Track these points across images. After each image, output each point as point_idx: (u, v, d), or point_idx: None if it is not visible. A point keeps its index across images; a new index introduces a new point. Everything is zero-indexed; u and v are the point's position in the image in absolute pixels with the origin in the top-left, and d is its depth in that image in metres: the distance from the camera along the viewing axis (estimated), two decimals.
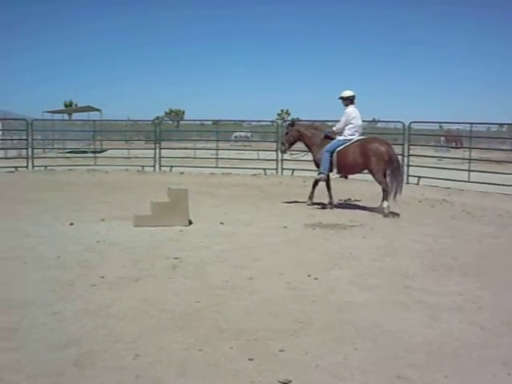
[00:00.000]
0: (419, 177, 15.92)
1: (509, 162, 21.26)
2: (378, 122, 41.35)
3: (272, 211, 11.01)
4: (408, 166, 16.36)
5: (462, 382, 3.75)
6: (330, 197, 11.81)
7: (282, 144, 12.46)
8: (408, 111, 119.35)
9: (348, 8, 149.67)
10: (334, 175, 11.70)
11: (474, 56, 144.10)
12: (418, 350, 4.27)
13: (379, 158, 11.02)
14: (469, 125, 18.93)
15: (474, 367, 3.99)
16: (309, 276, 6.23)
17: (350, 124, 11.40)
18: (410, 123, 17.05)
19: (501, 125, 35.69)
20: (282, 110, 77.03)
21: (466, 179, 15.50)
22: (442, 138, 30.84)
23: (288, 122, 12.34)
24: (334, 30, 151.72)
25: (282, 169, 18.15)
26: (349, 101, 11.56)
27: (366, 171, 11.57)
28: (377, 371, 3.88)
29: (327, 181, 11.78)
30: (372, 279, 6.20)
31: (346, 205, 12.01)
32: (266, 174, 18.22)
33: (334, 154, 11.35)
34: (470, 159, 17.46)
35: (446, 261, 7.14)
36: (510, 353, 4.23)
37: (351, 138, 11.37)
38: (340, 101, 11.67)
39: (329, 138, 11.65)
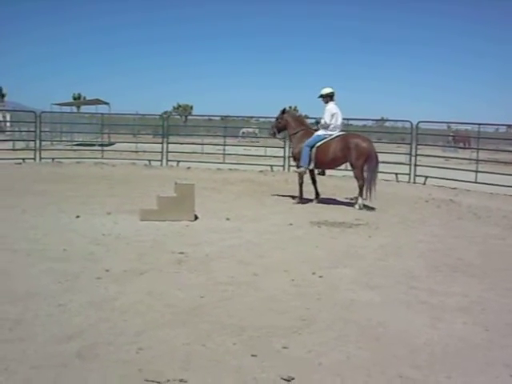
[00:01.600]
0: (426, 176, 15.89)
1: None
2: (386, 120, 41.37)
3: (278, 208, 11.01)
4: (415, 165, 16.34)
5: (464, 383, 3.74)
6: (316, 192, 12.12)
7: (272, 128, 12.90)
8: (416, 111, 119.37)
9: (357, 8, 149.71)
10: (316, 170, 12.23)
11: (483, 58, 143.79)
12: (421, 350, 4.27)
13: (360, 153, 11.31)
14: (477, 125, 18.89)
15: (478, 368, 3.98)
16: (313, 274, 6.23)
17: (332, 120, 11.67)
18: (418, 123, 17.01)
19: (509, 126, 35.64)
20: (290, 107, 76.95)
21: (473, 180, 15.48)
22: (450, 138, 30.77)
23: (281, 110, 12.53)
24: (343, 29, 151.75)
25: (289, 166, 18.13)
26: (328, 98, 11.86)
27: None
28: (379, 371, 3.87)
29: (312, 176, 12.15)
30: (376, 278, 6.20)
31: (347, 203, 11.98)
32: (272, 170, 18.21)
33: (314, 149, 11.60)
34: (477, 160, 17.41)
35: (451, 261, 7.12)
36: None
37: (331, 133, 11.63)
38: (320, 99, 11.96)
39: (312, 132, 11.95)
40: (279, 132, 12.94)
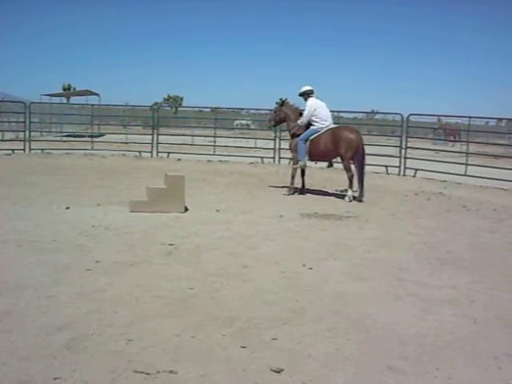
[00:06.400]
0: (416, 169, 15.91)
1: (506, 156, 21.27)
2: (377, 113, 41.41)
3: (268, 200, 11.01)
4: (405, 158, 16.36)
5: (453, 375, 3.76)
6: (303, 184, 12.25)
7: (269, 120, 13.08)
8: (407, 104, 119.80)
9: (350, 3, 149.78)
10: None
11: (474, 52, 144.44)
12: (410, 342, 4.29)
13: (349, 145, 11.47)
14: (467, 118, 18.92)
15: (466, 360, 4.01)
16: (303, 265, 6.24)
17: (318, 114, 11.81)
18: (409, 115, 17.03)
19: (499, 119, 35.75)
20: (281, 99, 76.87)
21: (463, 173, 15.52)
22: (441, 131, 30.83)
23: (278, 102, 12.54)
24: (335, 24, 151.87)
25: (280, 158, 18.13)
26: (306, 95, 12.01)
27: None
28: (368, 362, 3.89)
29: (303, 168, 12.23)
30: (366, 270, 6.22)
31: (337, 195, 12.00)
32: (263, 162, 18.19)
33: (308, 143, 11.75)
34: (467, 153, 17.45)
35: (440, 254, 7.15)
36: (502, 347, 4.25)
37: (323, 126, 11.76)
38: (301, 98, 12.15)
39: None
40: (277, 124, 13.09)
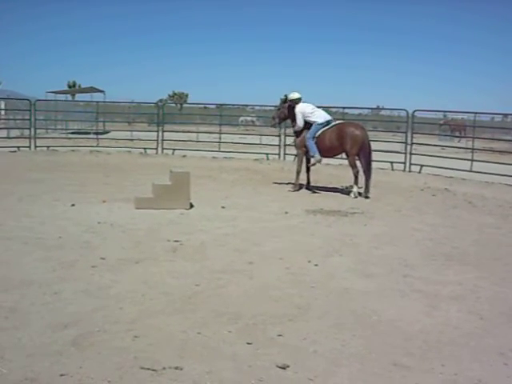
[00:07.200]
0: (422, 165, 15.85)
1: None
2: (382, 109, 41.35)
3: (273, 196, 11.01)
4: (411, 154, 16.31)
5: (458, 371, 3.76)
6: (308, 180, 12.26)
7: (273, 118, 13.04)
8: (412, 100, 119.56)
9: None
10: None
11: (479, 48, 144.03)
12: (415, 338, 4.28)
13: (354, 141, 11.50)
14: (473, 114, 18.86)
15: (472, 356, 4.00)
16: (309, 262, 6.24)
17: (312, 113, 11.92)
18: (414, 111, 16.96)
19: (505, 115, 35.68)
20: (286, 96, 76.70)
21: (469, 169, 15.44)
22: (447, 127, 30.76)
23: (281, 98, 12.55)
24: (340, 20, 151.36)
25: (285, 154, 18.09)
26: (295, 103, 12.12)
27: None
28: (374, 358, 3.89)
29: (308, 164, 12.25)
30: (371, 267, 6.21)
31: (342, 191, 12.00)
32: (268, 159, 18.15)
33: (314, 139, 11.77)
34: (472, 149, 17.38)
35: (446, 250, 7.14)
36: (508, 343, 4.24)
37: (326, 122, 11.82)
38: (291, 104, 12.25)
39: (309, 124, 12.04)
40: (281, 122, 13.12)
